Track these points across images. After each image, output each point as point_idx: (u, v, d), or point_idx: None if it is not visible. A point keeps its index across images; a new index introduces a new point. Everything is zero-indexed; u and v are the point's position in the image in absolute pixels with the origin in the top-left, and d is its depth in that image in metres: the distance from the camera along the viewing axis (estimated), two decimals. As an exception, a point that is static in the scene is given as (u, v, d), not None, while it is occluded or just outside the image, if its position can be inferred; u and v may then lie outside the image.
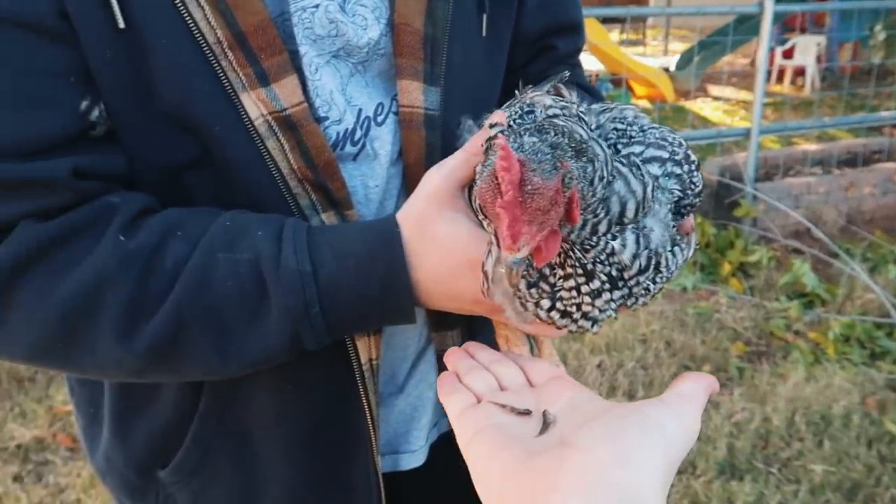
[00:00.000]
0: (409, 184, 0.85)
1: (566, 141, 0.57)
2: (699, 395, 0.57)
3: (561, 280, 0.65)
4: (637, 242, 0.64)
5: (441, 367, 0.94)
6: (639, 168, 0.64)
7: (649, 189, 0.64)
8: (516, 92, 0.85)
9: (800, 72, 11.27)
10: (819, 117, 6.83)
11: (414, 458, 0.96)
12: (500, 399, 0.62)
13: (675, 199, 0.69)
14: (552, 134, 0.57)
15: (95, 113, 0.71)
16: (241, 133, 0.75)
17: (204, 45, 0.72)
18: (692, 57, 10.49)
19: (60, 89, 0.69)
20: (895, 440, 2.93)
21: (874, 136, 6.88)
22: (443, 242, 0.74)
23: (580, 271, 0.64)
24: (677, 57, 12.04)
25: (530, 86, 0.85)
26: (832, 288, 4.19)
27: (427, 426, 0.97)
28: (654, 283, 0.68)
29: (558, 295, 0.66)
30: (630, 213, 0.62)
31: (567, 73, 0.90)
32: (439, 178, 0.75)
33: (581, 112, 0.73)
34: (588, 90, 1.08)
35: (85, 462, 2.77)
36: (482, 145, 0.72)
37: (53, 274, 0.68)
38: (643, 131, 0.71)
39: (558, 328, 0.69)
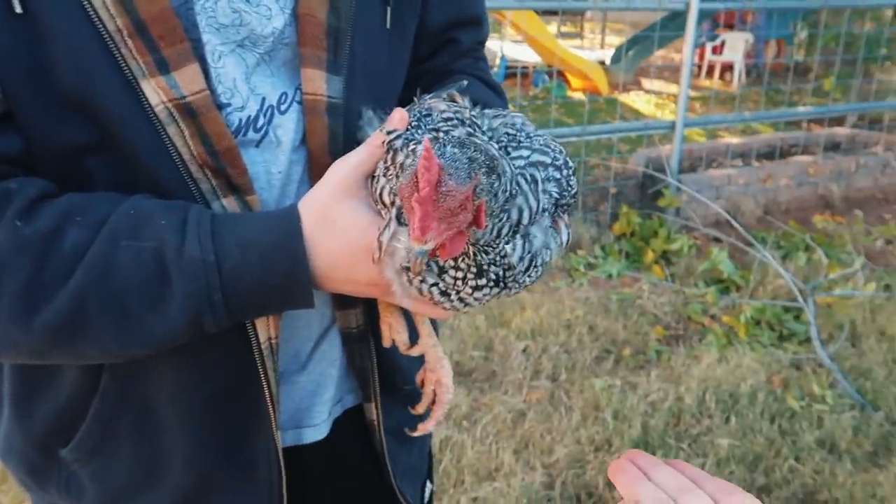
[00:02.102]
0: (312, 169, 0.88)
1: (482, 158, 0.64)
2: None
3: (453, 270, 0.72)
4: (523, 246, 0.72)
5: (346, 345, 0.99)
6: (537, 185, 0.73)
7: (541, 204, 0.73)
8: (415, 98, 0.92)
9: (728, 67, 11.71)
10: (742, 112, 7.14)
11: (317, 431, 1.01)
12: None
13: (554, 200, 0.76)
14: (472, 150, 0.64)
15: None
16: (141, 119, 0.76)
17: (104, 32, 0.73)
18: (626, 51, 10.76)
19: None
20: (795, 415, 3.14)
21: (792, 131, 7.25)
22: (345, 228, 0.78)
23: (474, 269, 0.72)
24: (612, 50, 12.31)
25: (426, 95, 0.91)
26: (746, 274, 4.42)
27: (330, 401, 1.02)
28: (529, 277, 0.76)
29: (443, 277, 0.72)
30: (525, 221, 0.71)
31: (465, 83, 0.95)
32: (346, 168, 0.80)
33: (473, 116, 0.79)
34: (490, 85, 1.13)
35: None
36: (383, 144, 0.78)
37: None
38: (530, 137, 0.79)
39: (435, 303, 0.75)
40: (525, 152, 0.76)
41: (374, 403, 1.02)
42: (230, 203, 0.83)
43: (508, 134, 0.78)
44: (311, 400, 1.00)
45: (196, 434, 0.89)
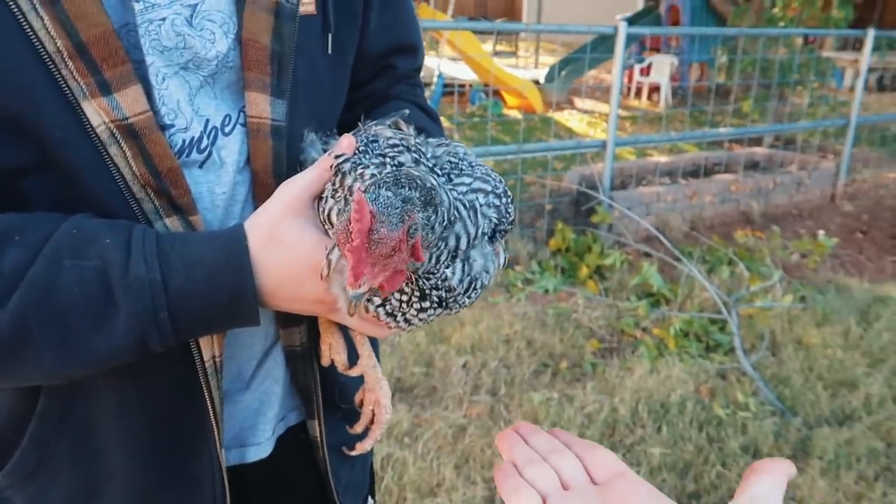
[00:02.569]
0: (256, 190, 0.89)
1: (417, 194, 0.66)
2: (777, 490, 0.55)
3: (398, 294, 0.75)
4: (463, 270, 0.76)
5: (290, 363, 1.01)
6: (475, 211, 0.76)
7: (480, 230, 0.77)
8: (359, 124, 0.94)
9: (655, 88, 12.20)
10: (668, 132, 7.45)
11: (260, 449, 1.01)
12: (567, 502, 0.61)
13: (493, 225, 0.80)
14: (407, 188, 0.66)
15: None
16: (83, 139, 0.76)
17: (43, 53, 0.73)
18: (559, 71, 11.08)
19: None
20: (722, 423, 3.29)
21: (715, 150, 7.61)
22: (292, 247, 0.80)
23: (417, 294, 0.75)
24: (546, 70, 12.63)
25: (371, 122, 0.94)
26: (675, 288, 4.60)
27: (273, 419, 1.02)
28: (469, 298, 0.79)
29: (389, 300, 0.75)
30: (463, 247, 0.74)
31: (407, 112, 0.99)
32: (294, 190, 0.82)
33: (418, 143, 0.82)
34: (426, 111, 1.17)
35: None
36: (331, 168, 0.81)
37: None
38: (472, 166, 0.83)
39: (379, 321, 0.77)
40: (467, 179, 0.80)
41: (318, 420, 1.03)
42: (173, 223, 0.83)
43: (451, 162, 0.82)
44: (255, 418, 1.00)
45: (139, 454, 0.89)
